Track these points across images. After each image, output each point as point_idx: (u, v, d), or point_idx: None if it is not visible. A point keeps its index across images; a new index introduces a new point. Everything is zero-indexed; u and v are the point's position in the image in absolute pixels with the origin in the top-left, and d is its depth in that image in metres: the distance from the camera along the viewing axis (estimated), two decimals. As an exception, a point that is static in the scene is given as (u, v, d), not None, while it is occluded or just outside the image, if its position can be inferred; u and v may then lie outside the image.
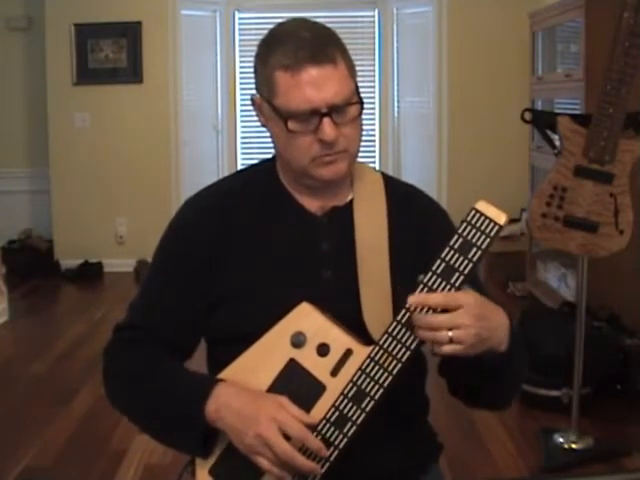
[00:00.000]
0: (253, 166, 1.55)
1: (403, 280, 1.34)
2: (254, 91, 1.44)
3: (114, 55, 6.11)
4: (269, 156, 1.54)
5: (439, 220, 1.51)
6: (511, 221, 5.02)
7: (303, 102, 1.32)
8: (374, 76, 6.43)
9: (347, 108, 1.36)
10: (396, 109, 6.46)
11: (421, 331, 1.23)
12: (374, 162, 6.44)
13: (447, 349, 1.22)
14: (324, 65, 1.32)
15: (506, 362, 1.32)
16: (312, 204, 1.46)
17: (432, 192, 5.66)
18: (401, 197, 1.49)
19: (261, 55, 1.39)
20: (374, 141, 6.49)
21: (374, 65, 6.44)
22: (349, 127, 1.37)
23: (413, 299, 1.24)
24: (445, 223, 1.51)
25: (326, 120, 1.33)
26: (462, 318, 1.22)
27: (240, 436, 1.29)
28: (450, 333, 1.21)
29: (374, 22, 6.45)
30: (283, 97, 1.34)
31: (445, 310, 1.23)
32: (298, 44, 1.33)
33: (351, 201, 1.47)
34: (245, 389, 1.33)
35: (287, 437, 1.27)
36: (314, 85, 1.32)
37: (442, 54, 6.03)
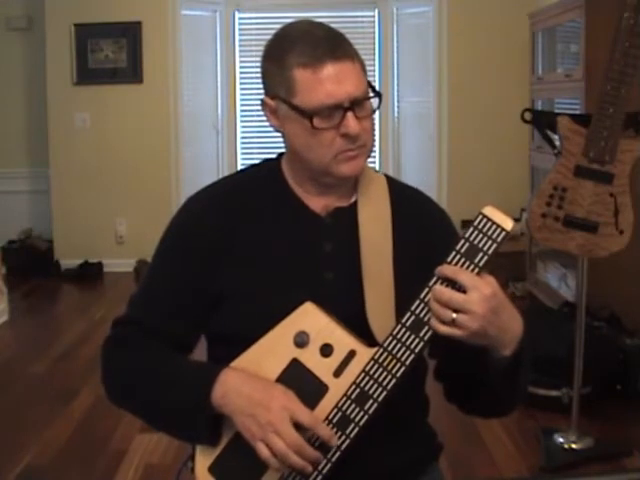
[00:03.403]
0: (255, 166, 1.55)
1: (407, 281, 1.34)
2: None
3: (114, 55, 6.11)
4: (269, 156, 1.53)
5: (442, 224, 1.52)
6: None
7: (326, 97, 1.33)
8: (374, 76, 6.42)
9: (366, 102, 1.38)
10: (396, 109, 6.46)
11: (431, 302, 1.23)
12: (374, 162, 6.43)
13: (444, 329, 1.22)
14: (343, 60, 1.34)
15: (506, 367, 1.31)
16: (317, 204, 1.46)
17: (432, 192, 5.67)
18: (405, 199, 1.50)
19: (273, 56, 1.39)
20: (374, 141, 6.47)
21: (374, 65, 6.43)
22: (367, 122, 1.39)
23: (444, 268, 1.24)
24: (447, 228, 1.51)
25: (349, 114, 1.35)
26: (475, 305, 1.21)
27: (249, 421, 1.29)
28: (454, 315, 1.21)
29: (374, 22, 6.45)
30: (304, 95, 1.34)
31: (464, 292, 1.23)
32: (315, 42, 1.34)
33: (355, 202, 1.47)
34: (253, 376, 1.33)
35: (295, 428, 1.27)
36: (335, 80, 1.33)
37: (442, 54, 6.03)
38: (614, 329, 3.65)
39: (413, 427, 1.48)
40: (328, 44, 1.34)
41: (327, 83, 1.33)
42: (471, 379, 1.37)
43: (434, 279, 1.26)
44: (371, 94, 1.39)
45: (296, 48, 1.34)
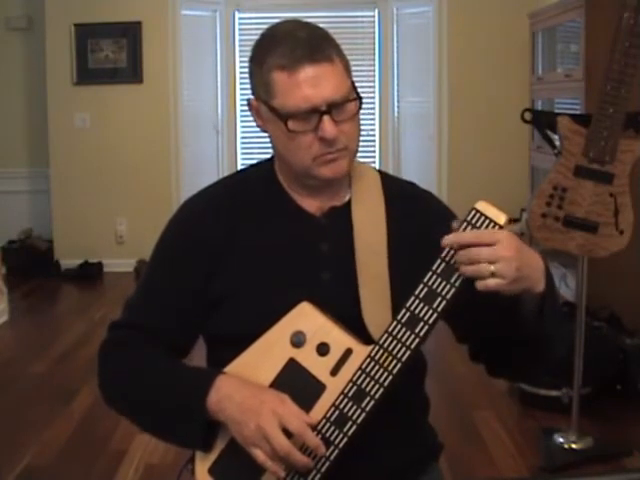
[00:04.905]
0: (252, 166, 1.55)
1: (402, 279, 1.34)
2: (250, 94, 1.43)
3: (114, 55, 6.11)
4: (269, 156, 1.53)
5: (438, 215, 1.49)
6: (511, 221, 5.04)
7: (302, 101, 1.32)
8: (374, 76, 6.43)
9: (346, 105, 1.36)
10: (396, 109, 6.46)
11: (463, 267, 1.22)
12: (374, 162, 6.43)
13: (491, 283, 1.21)
14: (321, 63, 1.33)
15: (544, 304, 1.30)
16: (311, 205, 1.46)
17: (432, 192, 5.65)
18: (399, 195, 1.49)
19: (256, 57, 1.38)
20: (374, 141, 6.49)
21: (374, 65, 6.43)
22: (348, 124, 1.37)
23: (447, 239, 1.23)
24: (445, 217, 1.47)
25: (326, 118, 1.33)
26: (502, 251, 1.21)
27: (240, 427, 1.29)
28: (492, 267, 1.21)
29: (374, 22, 6.45)
30: (281, 98, 1.34)
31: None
32: (294, 44, 1.33)
33: (349, 201, 1.46)
34: (247, 382, 1.33)
35: (288, 434, 1.27)
36: (312, 83, 1.32)
37: (442, 54, 6.03)
38: (614, 329, 3.64)
39: (413, 427, 1.48)
40: (307, 46, 1.33)
41: (304, 86, 1.32)
42: (513, 327, 1.35)
43: (428, 275, 1.25)
44: (354, 95, 1.37)
45: (276, 50, 1.34)
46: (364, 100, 1.40)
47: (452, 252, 1.24)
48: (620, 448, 3.10)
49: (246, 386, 1.33)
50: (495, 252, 1.21)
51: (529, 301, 1.30)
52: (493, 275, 1.21)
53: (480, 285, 1.22)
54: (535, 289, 1.28)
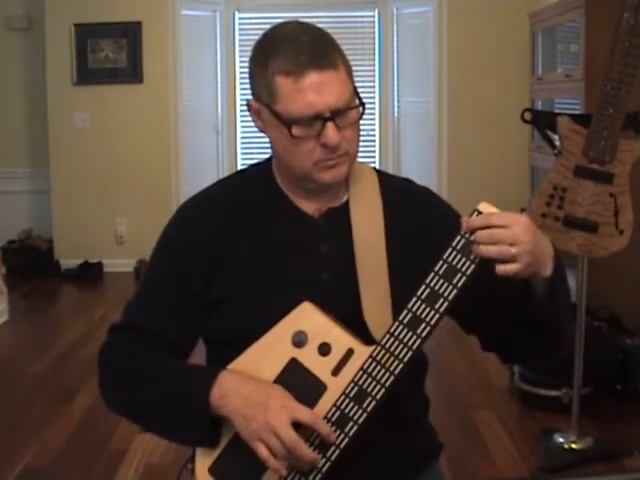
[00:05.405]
0: (252, 166, 1.55)
1: (402, 277, 1.34)
2: (249, 95, 1.43)
3: (114, 55, 6.11)
4: (269, 156, 1.53)
5: (438, 212, 1.50)
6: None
7: (306, 107, 1.32)
8: (374, 76, 6.43)
9: (349, 112, 1.36)
10: (396, 109, 6.46)
11: (484, 247, 1.23)
12: (374, 162, 6.43)
13: (510, 268, 1.23)
14: (326, 69, 1.32)
15: (552, 286, 1.32)
16: (309, 206, 1.46)
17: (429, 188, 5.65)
18: (397, 193, 1.49)
19: (259, 59, 1.37)
20: (374, 141, 6.49)
21: (374, 65, 6.44)
22: (350, 130, 1.37)
23: (473, 221, 1.24)
24: (444, 213, 1.49)
25: (329, 124, 1.33)
26: (522, 235, 1.23)
27: (247, 421, 1.29)
28: (513, 250, 1.22)
29: (374, 22, 6.45)
30: (285, 103, 1.33)
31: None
32: (298, 48, 1.32)
33: (347, 201, 1.46)
34: (251, 377, 1.33)
35: (295, 428, 1.27)
36: (316, 90, 1.32)
37: (442, 54, 6.03)
38: (614, 329, 3.65)
39: (413, 426, 1.48)
40: (312, 52, 1.32)
41: (308, 93, 1.32)
42: (521, 310, 1.36)
43: (430, 276, 1.25)
44: (356, 102, 1.37)
45: (280, 53, 1.33)
46: (364, 101, 1.39)
47: (455, 253, 1.25)
48: (620, 448, 3.10)
49: (250, 381, 1.33)
50: (515, 235, 1.23)
51: (538, 285, 1.31)
52: (513, 258, 1.22)
53: (500, 269, 1.23)
54: (543, 273, 1.29)
